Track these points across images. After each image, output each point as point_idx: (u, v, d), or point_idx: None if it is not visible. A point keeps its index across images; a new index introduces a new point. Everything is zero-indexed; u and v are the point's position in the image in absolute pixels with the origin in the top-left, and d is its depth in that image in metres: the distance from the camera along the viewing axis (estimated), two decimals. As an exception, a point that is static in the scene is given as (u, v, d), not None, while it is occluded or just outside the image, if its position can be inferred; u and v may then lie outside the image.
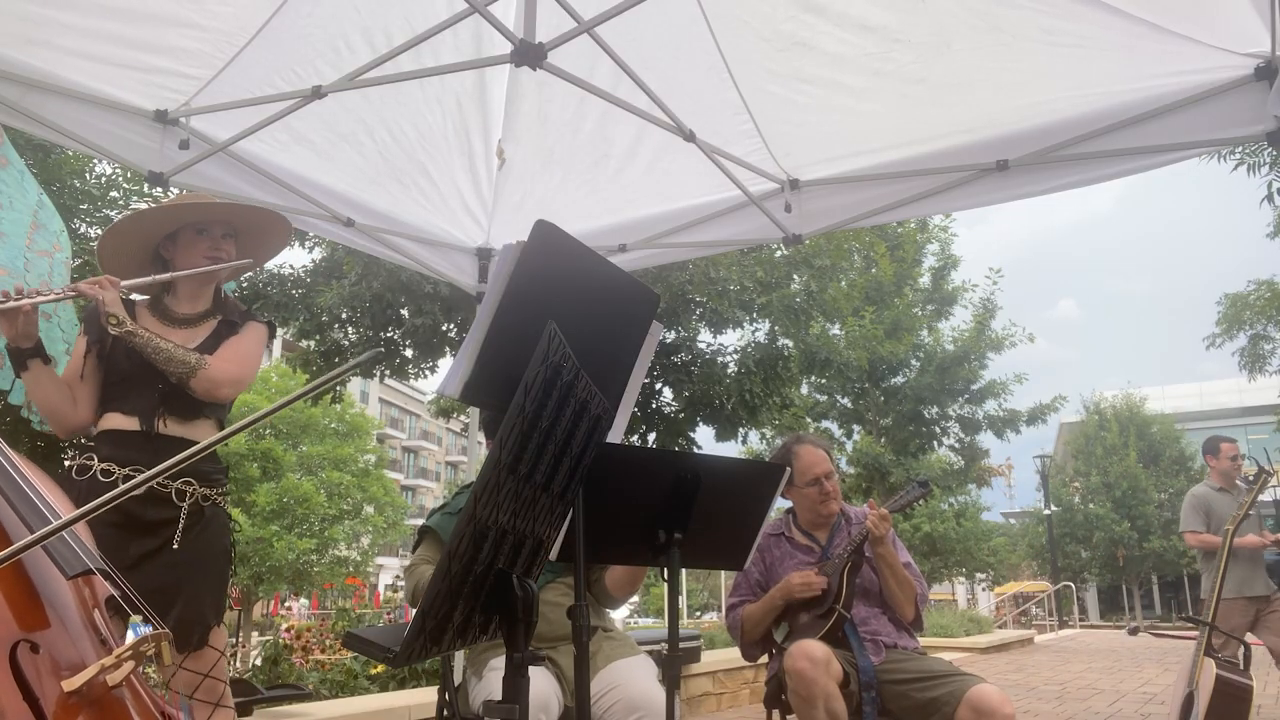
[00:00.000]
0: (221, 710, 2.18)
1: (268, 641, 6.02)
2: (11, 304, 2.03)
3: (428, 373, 9.62)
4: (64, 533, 1.35)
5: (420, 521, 2.79)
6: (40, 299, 2.09)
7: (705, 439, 27.94)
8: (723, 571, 17.54)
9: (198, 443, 2.21)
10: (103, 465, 2.16)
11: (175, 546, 2.15)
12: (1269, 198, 10.60)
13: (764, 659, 2.99)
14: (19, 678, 1.13)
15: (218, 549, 2.27)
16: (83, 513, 1.10)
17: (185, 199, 2.40)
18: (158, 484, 2.12)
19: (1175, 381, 43.68)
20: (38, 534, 1.08)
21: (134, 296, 2.37)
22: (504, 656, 2.46)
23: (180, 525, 2.17)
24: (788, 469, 2.25)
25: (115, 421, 2.22)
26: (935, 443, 16.54)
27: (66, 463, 2.23)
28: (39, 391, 2.13)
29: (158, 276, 2.31)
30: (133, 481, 1.10)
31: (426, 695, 4.29)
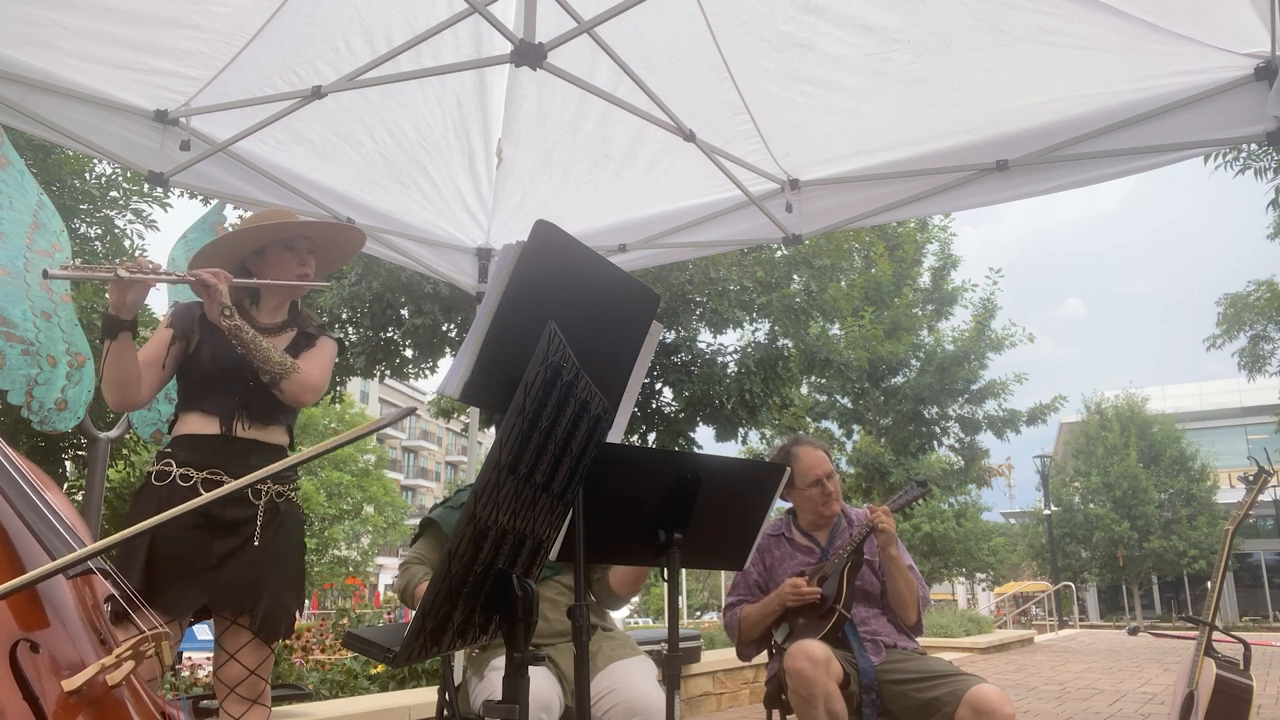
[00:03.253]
0: (258, 708, 2.23)
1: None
2: (138, 276, 2.08)
3: (428, 373, 9.63)
4: (64, 533, 1.35)
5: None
6: (163, 277, 2.17)
7: (705, 439, 27.98)
8: (723, 571, 17.53)
9: (271, 445, 2.29)
10: (181, 470, 2.21)
11: (256, 543, 2.22)
12: (1274, 203, 10.61)
13: (764, 659, 2.99)
14: (19, 677, 1.13)
15: (294, 542, 2.35)
16: (122, 537, 1.10)
17: (272, 217, 2.46)
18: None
19: (1182, 381, 43.55)
20: (65, 559, 1.08)
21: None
22: (504, 656, 2.46)
23: (259, 522, 2.23)
24: (788, 469, 2.25)
25: (194, 424, 2.27)
26: (935, 443, 16.55)
27: (146, 469, 2.29)
28: (118, 363, 2.16)
29: (256, 282, 2.38)
30: (211, 494, 1.12)
31: (426, 695, 4.29)
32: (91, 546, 1.12)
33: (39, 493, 1.41)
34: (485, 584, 1.22)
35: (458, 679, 2.59)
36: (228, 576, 2.18)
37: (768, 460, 3.10)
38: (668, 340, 9.72)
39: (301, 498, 2.47)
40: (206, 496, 1.15)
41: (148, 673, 1.82)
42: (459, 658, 2.86)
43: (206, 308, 2.25)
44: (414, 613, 2.61)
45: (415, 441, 57.65)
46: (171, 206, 7.72)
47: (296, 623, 2.39)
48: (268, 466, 1.22)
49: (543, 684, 2.19)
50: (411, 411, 1.31)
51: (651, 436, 10.07)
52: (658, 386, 10.10)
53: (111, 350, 2.14)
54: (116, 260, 2.10)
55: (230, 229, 3.00)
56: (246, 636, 2.22)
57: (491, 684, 2.31)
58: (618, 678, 2.32)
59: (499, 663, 2.36)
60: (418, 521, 2.83)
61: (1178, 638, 5.89)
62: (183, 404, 2.33)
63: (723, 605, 3.16)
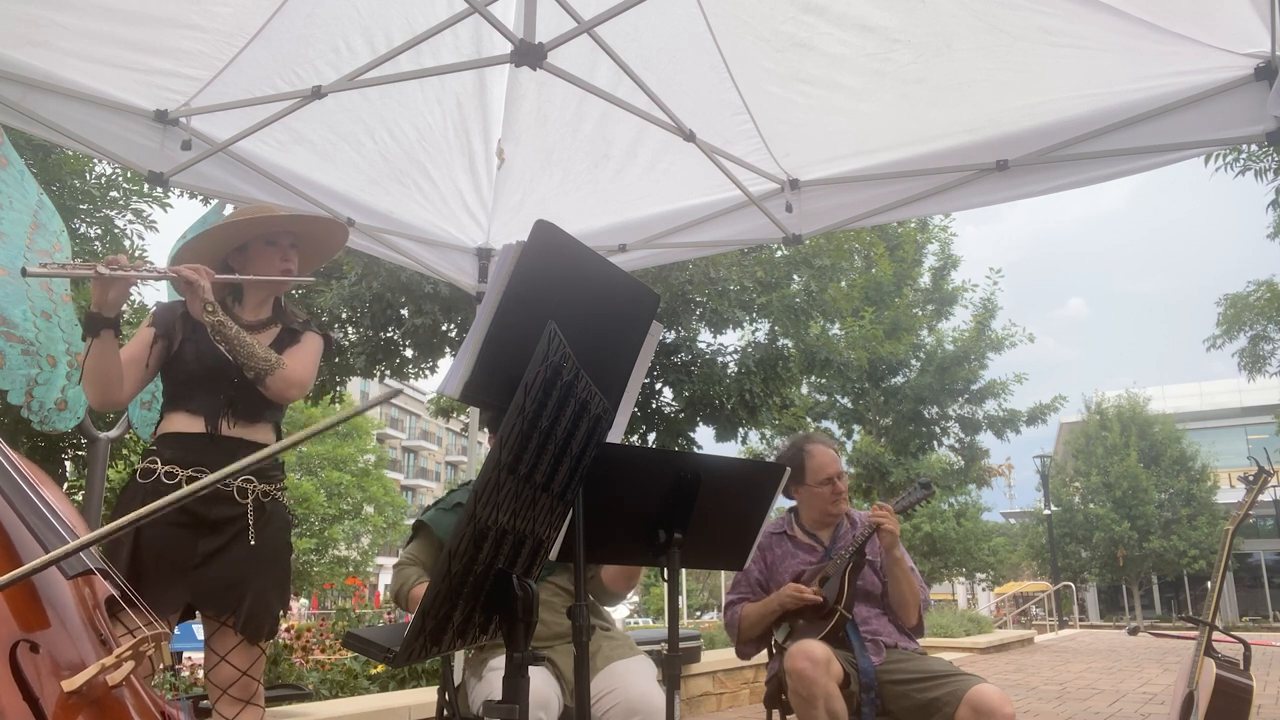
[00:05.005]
0: (251, 708, 2.22)
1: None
2: (119, 274, 2.08)
3: (428, 373, 9.63)
4: (64, 532, 1.35)
5: (419, 520, 2.80)
6: (144, 274, 2.17)
7: (705, 439, 27.98)
8: (723, 571, 17.52)
9: (258, 444, 2.27)
10: (166, 468, 2.21)
11: (253, 543, 2.21)
12: (1275, 203, 10.61)
13: (764, 658, 2.99)
14: (19, 677, 1.13)
15: (280, 543, 2.34)
16: (110, 530, 1.10)
17: (252, 211, 2.46)
18: (220, 484, 2.18)
19: (1185, 381, 43.52)
20: (58, 551, 1.08)
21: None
22: (503, 656, 2.44)
23: (250, 521, 2.23)
24: (788, 468, 2.25)
25: (179, 423, 2.27)
26: (935, 443, 16.53)
27: (136, 467, 2.29)
28: (99, 361, 2.16)
29: (238, 277, 2.37)
30: (189, 488, 1.13)
31: (426, 695, 4.28)
32: (81, 540, 1.12)
33: (38, 492, 1.41)
34: (485, 584, 1.22)
35: (458, 679, 2.58)
36: (212, 576, 2.18)
37: (777, 456, 3.11)
38: (668, 340, 9.71)
39: (297, 498, 2.46)
40: (193, 487, 1.14)
41: (142, 670, 1.82)
42: (459, 658, 2.86)
43: (189, 304, 2.25)
44: (412, 613, 2.60)
45: (415, 441, 57.64)
46: (171, 207, 7.72)
47: (286, 623, 2.38)
48: (247, 458, 1.21)
49: (541, 684, 2.19)
50: (396, 393, 1.32)
51: (651, 436, 10.07)
52: (658, 386, 10.10)
53: (93, 348, 2.14)
54: (97, 259, 2.09)
55: None
56: (235, 638, 2.21)
57: (489, 685, 2.30)
58: (618, 678, 2.32)
59: (496, 663, 2.36)
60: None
61: (1178, 638, 5.89)
62: (168, 403, 2.32)
63: (723, 604, 3.16)
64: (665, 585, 1.94)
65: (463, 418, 8.88)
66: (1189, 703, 3.17)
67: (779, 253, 9.89)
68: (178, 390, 2.31)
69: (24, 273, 2.07)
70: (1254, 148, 9.54)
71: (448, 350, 9.35)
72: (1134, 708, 6.44)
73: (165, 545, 2.15)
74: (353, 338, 9.25)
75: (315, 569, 26.47)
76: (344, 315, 9.06)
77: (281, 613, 2.33)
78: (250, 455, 2.21)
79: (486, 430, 2.94)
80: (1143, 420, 30.68)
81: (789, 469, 2.39)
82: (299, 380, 2.31)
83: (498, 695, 1.28)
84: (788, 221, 3.89)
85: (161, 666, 1.43)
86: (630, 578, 2.57)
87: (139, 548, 2.14)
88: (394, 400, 55.03)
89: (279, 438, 2.42)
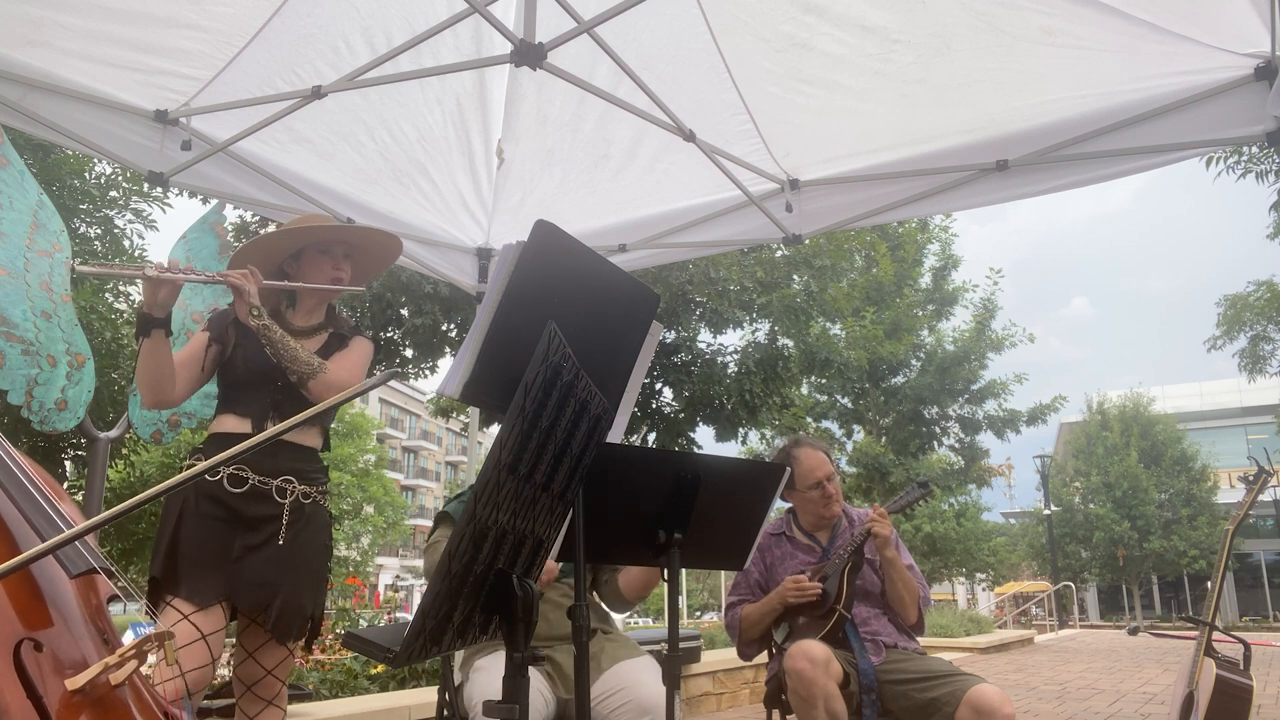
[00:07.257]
0: (272, 709, 2.25)
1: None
2: (167, 275, 2.11)
3: (428, 373, 9.63)
4: (66, 530, 1.35)
5: (420, 521, 2.80)
6: (192, 277, 2.20)
7: (705, 439, 27.95)
8: (723, 571, 17.50)
9: (304, 447, 2.31)
10: None
11: (281, 543, 2.22)
12: (1276, 205, 10.62)
13: (764, 659, 2.99)
14: (23, 676, 1.14)
15: (318, 544, 2.35)
16: (104, 519, 1.10)
17: (311, 220, 2.50)
18: (259, 482, 2.23)
19: (1186, 380, 43.46)
20: (54, 540, 1.08)
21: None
22: (489, 656, 2.43)
23: (284, 522, 2.24)
24: (788, 469, 2.26)
25: (228, 424, 2.31)
26: (935, 443, 16.55)
27: (183, 464, 2.32)
28: (152, 360, 2.18)
29: (287, 284, 2.42)
30: (179, 476, 1.14)
31: (426, 695, 4.29)
32: (76, 529, 1.12)
33: (42, 492, 1.41)
34: (485, 584, 1.22)
35: (458, 679, 2.58)
36: (247, 572, 2.20)
37: (768, 461, 3.11)
38: (668, 340, 9.71)
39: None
40: (191, 472, 1.15)
41: (168, 672, 1.82)
42: (459, 658, 2.86)
43: (236, 308, 2.29)
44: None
45: (415, 441, 57.64)
46: (171, 207, 7.73)
47: (319, 626, 2.38)
48: (234, 448, 1.24)
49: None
50: (395, 374, 1.32)
51: (651, 436, 10.07)
52: (658, 386, 10.10)
53: (145, 348, 2.17)
54: (146, 260, 2.13)
55: (229, 228, 3.03)
56: (264, 636, 2.23)
57: (474, 685, 2.30)
58: (625, 677, 2.31)
59: (483, 663, 2.37)
60: (417, 522, 2.83)
61: (1178, 638, 5.89)
62: (220, 406, 2.37)
63: (723, 605, 3.16)
64: (665, 585, 1.95)
65: (463, 418, 8.88)
66: (1189, 703, 3.17)
67: (779, 253, 9.90)
68: (228, 394, 2.35)
69: (73, 270, 2.11)
70: (1255, 150, 9.53)
71: (448, 350, 9.35)
72: (1134, 708, 6.44)
73: (204, 538, 2.18)
74: (353, 338, 9.24)
75: (316, 569, 26.40)
76: (344, 315, 9.06)
77: (317, 615, 2.33)
78: (293, 457, 2.24)
79: (493, 427, 2.94)
80: (1144, 420, 30.66)
81: (789, 469, 2.40)
82: (341, 384, 2.33)
83: (487, 695, 1.28)
84: (788, 221, 3.90)
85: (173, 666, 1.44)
86: (647, 586, 2.57)
87: (178, 539, 2.17)
88: (394, 400, 55.07)
89: (326, 440, 2.45)
